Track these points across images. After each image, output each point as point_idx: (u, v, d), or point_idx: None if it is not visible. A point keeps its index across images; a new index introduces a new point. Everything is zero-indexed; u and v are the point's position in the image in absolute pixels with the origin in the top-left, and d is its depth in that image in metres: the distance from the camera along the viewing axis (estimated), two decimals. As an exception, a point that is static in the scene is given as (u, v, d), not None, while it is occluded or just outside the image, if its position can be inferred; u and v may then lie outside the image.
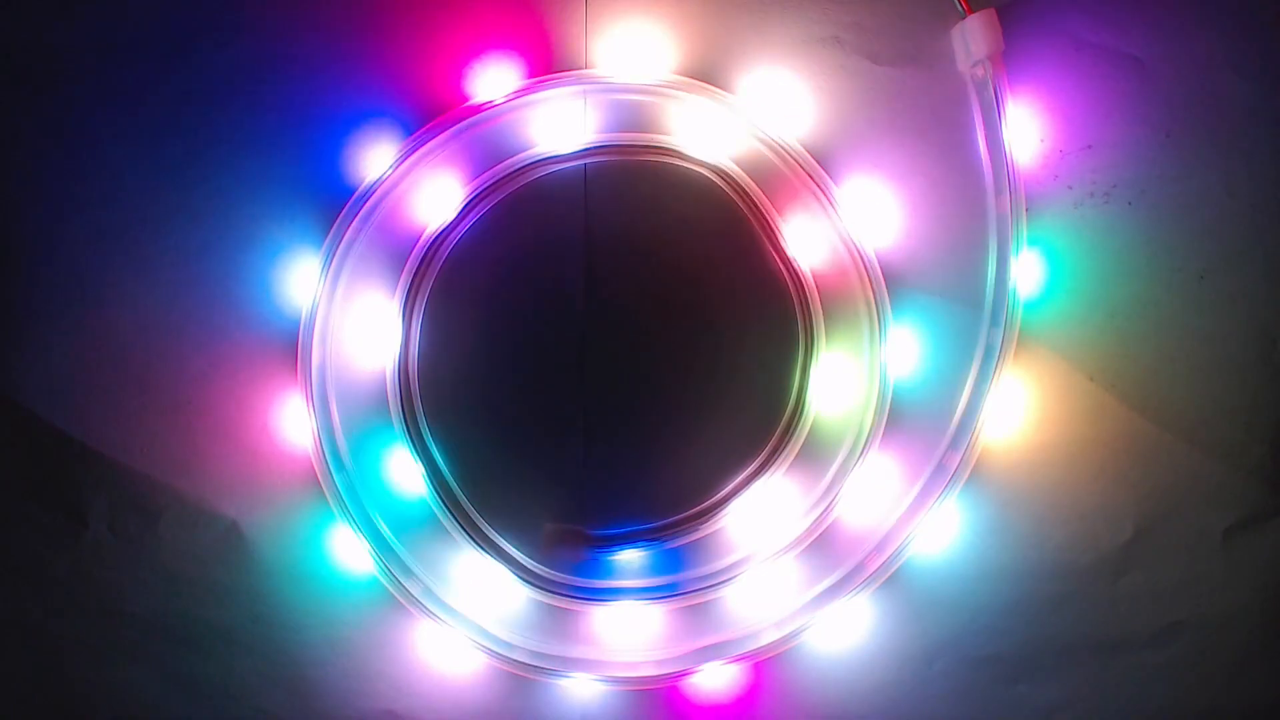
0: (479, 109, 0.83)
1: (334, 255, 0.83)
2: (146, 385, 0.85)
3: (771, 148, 0.84)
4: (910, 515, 0.85)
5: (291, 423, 0.85)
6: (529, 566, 0.87)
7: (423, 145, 0.83)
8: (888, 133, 0.85)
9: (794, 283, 0.86)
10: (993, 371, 0.82)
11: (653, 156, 0.86)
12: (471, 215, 0.86)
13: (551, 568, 0.87)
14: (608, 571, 0.87)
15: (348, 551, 0.85)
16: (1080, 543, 0.86)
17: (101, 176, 0.85)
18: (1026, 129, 0.85)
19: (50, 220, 0.85)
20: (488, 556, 0.86)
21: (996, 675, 0.87)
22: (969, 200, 0.85)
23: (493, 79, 0.84)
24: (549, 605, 0.87)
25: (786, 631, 0.85)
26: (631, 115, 0.86)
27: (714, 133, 0.85)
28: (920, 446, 0.86)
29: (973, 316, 0.85)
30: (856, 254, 0.84)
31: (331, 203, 0.85)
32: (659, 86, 0.83)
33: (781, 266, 0.86)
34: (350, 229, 0.83)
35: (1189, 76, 0.85)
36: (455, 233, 0.86)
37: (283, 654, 0.87)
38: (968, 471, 0.83)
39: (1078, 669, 0.87)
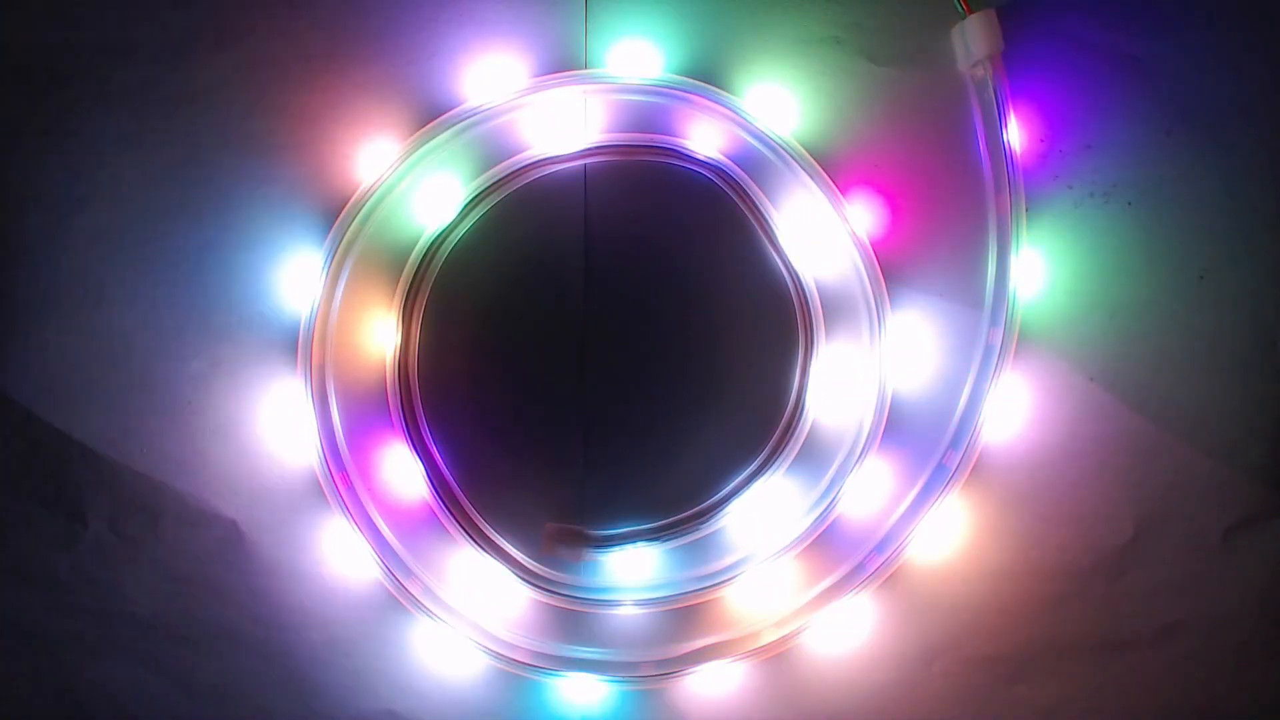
0: (479, 109, 0.83)
1: (334, 255, 0.83)
2: (146, 385, 0.85)
3: (771, 148, 0.84)
4: (910, 515, 0.85)
5: (291, 423, 0.85)
6: (529, 566, 0.87)
7: (423, 145, 0.83)
8: (888, 133, 0.85)
9: (794, 283, 0.86)
10: (993, 371, 0.82)
11: (653, 156, 0.86)
12: (471, 215, 0.86)
13: (551, 568, 0.87)
14: (607, 571, 0.87)
15: (348, 551, 0.85)
16: (1080, 543, 0.86)
17: (101, 176, 0.85)
18: (1026, 129, 0.85)
19: (50, 220, 0.85)
20: (488, 556, 0.86)
21: (996, 675, 0.87)
22: (969, 200, 0.85)
23: (493, 79, 0.84)
24: (549, 605, 0.87)
25: (786, 631, 0.85)
26: (631, 115, 0.86)
27: (714, 133, 0.85)
28: (920, 446, 0.86)
29: (973, 316, 0.85)
30: (856, 254, 0.84)
31: (331, 203, 0.85)
32: (659, 86, 0.83)
33: (781, 266, 0.86)
34: (350, 229, 0.83)
35: (1189, 76, 0.86)
36: (455, 233, 0.86)
37: (283, 654, 0.87)
38: (968, 471, 0.83)
39: (1078, 669, 0.87)
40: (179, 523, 0.86)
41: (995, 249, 0.84)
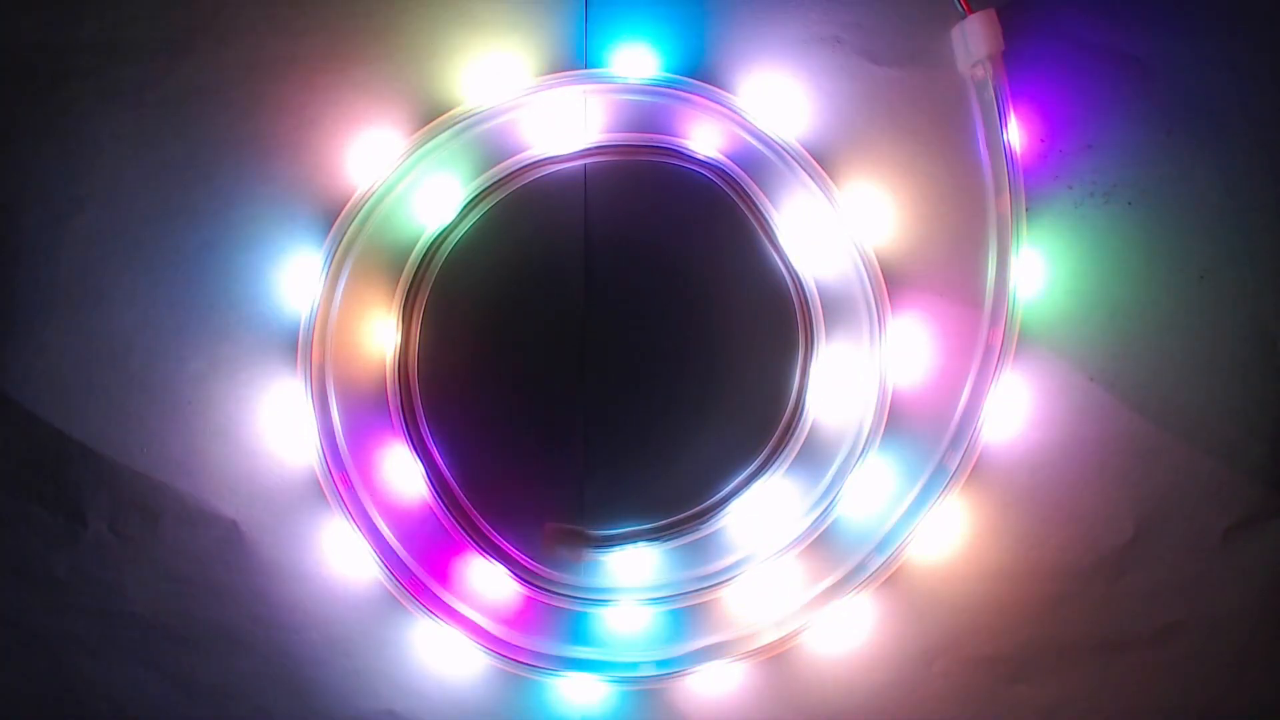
0: (479, 109, 0.83)
1: (334, 255, 0.83)
2: (146, 385, 0.85)
3: (772, 148, 0.84)
4: (910, 515, 0.85)
5: (291, 423, 0.85)
6: (529, 566, 0.87)
7: (423, 145, 0.83)
8: (887, 133, 0.85)
9: (794, 283, 0.86)
10: (993, 371, 0.82)
11: (653, 156, 0.86)
12: (471, 215, 0.86)
13: (551, 568, 0.87)
14: (607, 571, 0.87)
15: (348, 551, 0.85)
16: (1080, 543, 0.86)
17: (101, 176, 0.85)
18: (1026, 129, 0.85)
19: (50, 220, 0.85)
20: (488, 556, 0.86)
21: (996, 675, 0.87)
22: (969, 200, 0.85)
23: (493, 79, 0.84)
24: (549, 605, 0.87)
25: (786, 631, 0.85)
26: (631, 115, 0.86)
27: (714, 133, 0.85)
28: (920, 446, 0.86)
29: (973, 316, 0.85)
30: (856, 254, 0.84)
31: (331, 203, 0.85)
32: (659, 86, 0.83)
33: (781, 266, 0.86)
34: (350, 229, 0.83)
35: (1189, 76, 0.86)
36: (455, 233, 0.86)
37: (283, 654, 0.87)
38: (968, 471, 0.83)
39: (1078, 669, 0.87)
40: (179, 523, 0.86)
41: (995, 249, 0.84)
